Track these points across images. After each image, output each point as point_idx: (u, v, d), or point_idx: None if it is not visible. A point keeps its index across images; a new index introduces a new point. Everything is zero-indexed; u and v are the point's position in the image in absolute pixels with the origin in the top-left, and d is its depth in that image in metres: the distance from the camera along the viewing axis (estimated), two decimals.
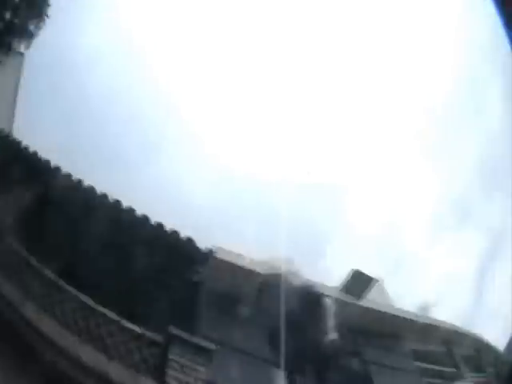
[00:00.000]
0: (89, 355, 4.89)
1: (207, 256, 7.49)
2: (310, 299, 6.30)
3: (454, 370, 10.83)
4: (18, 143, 6.87)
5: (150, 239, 7.26)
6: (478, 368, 13.01)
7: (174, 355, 5.43)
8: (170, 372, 5.24)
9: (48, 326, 5.04)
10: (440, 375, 10.65)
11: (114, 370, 4.93)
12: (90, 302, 5.60)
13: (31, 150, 6.82)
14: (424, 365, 9.57)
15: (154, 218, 7.66)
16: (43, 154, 6.80)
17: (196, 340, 5.68)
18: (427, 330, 9.37)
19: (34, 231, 6.21)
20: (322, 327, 6.14)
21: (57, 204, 6.62)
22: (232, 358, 6.06)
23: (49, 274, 5.72)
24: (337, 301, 7.57)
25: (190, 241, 7.60)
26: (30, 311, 5.19)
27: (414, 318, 9.49)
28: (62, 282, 5.63)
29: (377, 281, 8.56)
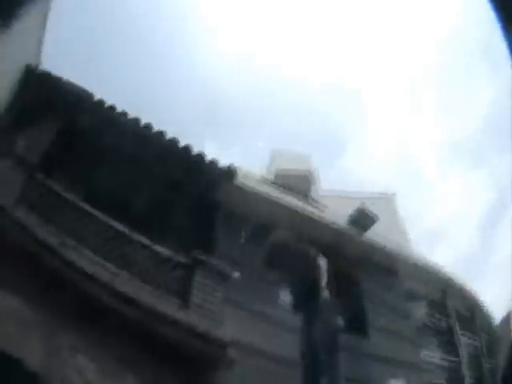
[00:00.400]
0: (122, 280, 5.63)
1: (229, 175, 7.92)
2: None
3: (445, 322, 11.74)
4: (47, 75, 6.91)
5: (176, 159, 7.64)
6: (470, 329, 13.84)
7: (199, 277, 6.21)
8: (195, 291, 6.05)
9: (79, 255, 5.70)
10: (432, 323, 11.56)
11: (145, 292, 5.70)
12: (121, 228, 6.23)
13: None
14: (417, 307, 10.46)
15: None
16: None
17: (215, 263, 6.42)
18: (426, 272, 10.02)
19: (61, 160, 6.61)
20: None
21: (81, 129, 6.92)
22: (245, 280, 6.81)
23: (78, 202, 6.26)
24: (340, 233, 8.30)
25: (212, 162, 7.97)
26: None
27: (414, 257, 10.07)
28: (91, 209, 6.20)
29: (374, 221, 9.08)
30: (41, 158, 6.32)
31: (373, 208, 11.48)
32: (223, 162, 8.17)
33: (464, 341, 13.23)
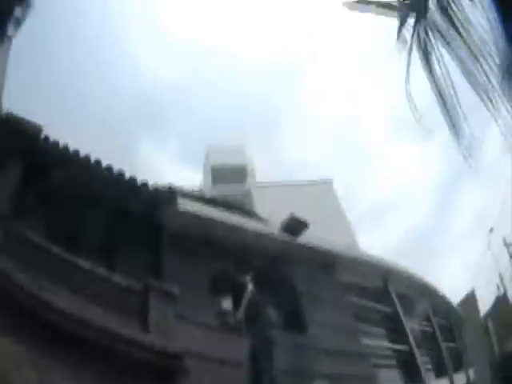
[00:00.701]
0: (92, 312, 6.72)
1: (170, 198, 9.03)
2: None
3: (389, 308, 12.97)
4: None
5: (116, 188, 8.57)
6: (419, 315, 15.01)
7: (153, 300, 7.44)
8: (151, 313, 7.30)
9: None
10: (376, 311, 12.76)
11: (111, 318, 6.85)
12: (84, 263, 7.22)
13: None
14: (358, 300, 11.75)
15: None
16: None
17: (165, 286, 7.69)
18: (364, 264, 11.22)
19: (22, 200, 7.32)
20: None
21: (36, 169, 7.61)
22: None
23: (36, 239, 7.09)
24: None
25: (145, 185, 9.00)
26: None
27: (348, 252, 11.42)
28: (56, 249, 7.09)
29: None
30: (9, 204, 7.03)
31: (311, 195, 12.64)
32: (160, 179, 9.38)
33: (413, 327, 14.06)
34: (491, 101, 3.08)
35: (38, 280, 6.49)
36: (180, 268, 8.42)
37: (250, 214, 12.25)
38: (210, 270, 7.99)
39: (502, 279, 15.82)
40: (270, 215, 11.76)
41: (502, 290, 14.79)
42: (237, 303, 6.98)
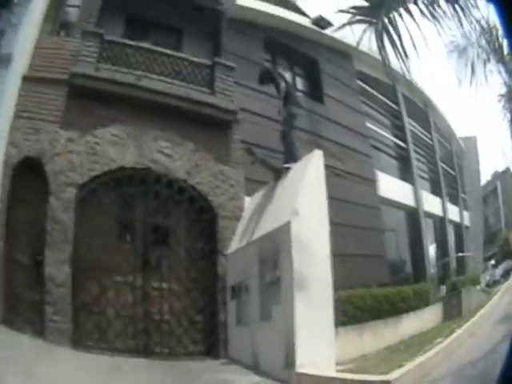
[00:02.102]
0: (175, 87, 10.05)
1: None
2: None
3: (395, 105, 13.91)
4: None
5: None
6: (424, 126, 15.05)
7: (218, 73, 10.47)
8: (217, 83, 10.44)
9: None
10: (383, 103, 13.71)
11: (183, 89, 10.04)
12: (163, 50, 10.19)
13: None
14: (369, 89, 13.05)
15: None
16: None
17: (226, 62, 10.50)
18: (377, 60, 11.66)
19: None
20: None
21: None
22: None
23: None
24: None
25: None
26: None
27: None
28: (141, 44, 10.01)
29: None
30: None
31: None
32: None
33: (415, 132, 15.24)
34: None
35: (132, 73, 9.63)
36: (236, 48, 11.05)
37: (295, 9, 13.29)
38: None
39: None
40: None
41: None
42: (277, 90, 9.50)
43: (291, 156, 8.51)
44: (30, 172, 8.73)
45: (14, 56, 8.42)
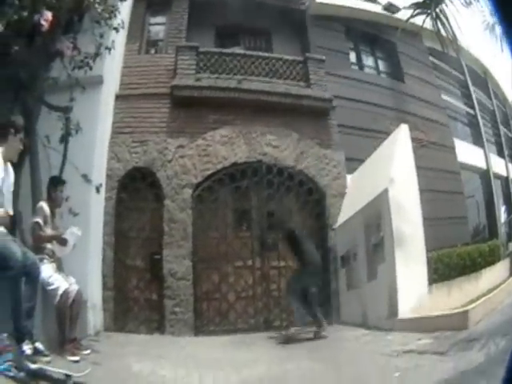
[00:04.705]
0: (272, 84, 11.12)
1: None
2: None
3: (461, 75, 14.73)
4: None
5: None
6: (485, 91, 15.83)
7: (311, 67, 11.33)
8: (311, 77, 11.33)
9: None
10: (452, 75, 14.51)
11: (282, 85, 10.79)
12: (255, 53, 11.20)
13: None
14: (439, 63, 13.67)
15: None
16: None
17: (316, 56, 11.31)
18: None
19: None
20: None
21: None
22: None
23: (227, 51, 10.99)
24: None
25: None
26: None
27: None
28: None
29: None
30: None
31: None
32: None
33: (479, 99, 15.96)
34: None
35: (231, 78, 10.54)
36: (322, 41, 11.85)
37: None
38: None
39: None
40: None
41: None
42: None
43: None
44: (139, 182, 9.57)
45: (104, 77, 8.64)
